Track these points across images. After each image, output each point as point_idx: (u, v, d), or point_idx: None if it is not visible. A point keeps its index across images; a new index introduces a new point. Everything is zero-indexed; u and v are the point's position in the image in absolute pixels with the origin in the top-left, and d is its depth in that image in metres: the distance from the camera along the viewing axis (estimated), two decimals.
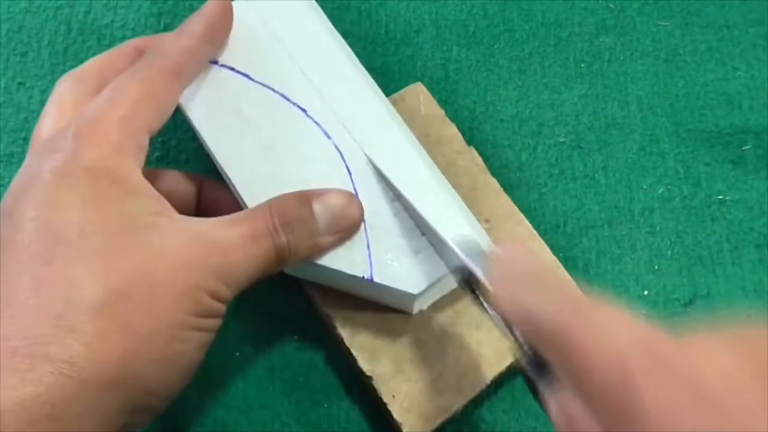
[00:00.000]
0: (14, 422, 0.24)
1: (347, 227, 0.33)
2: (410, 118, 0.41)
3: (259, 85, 0.36)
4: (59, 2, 0.46)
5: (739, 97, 0.47)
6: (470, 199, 0.39)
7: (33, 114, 0.43)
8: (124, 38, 0.45)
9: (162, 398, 0.29)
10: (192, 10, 0.46)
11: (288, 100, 0.36)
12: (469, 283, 0.32)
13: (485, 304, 0.31)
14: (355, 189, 0.34)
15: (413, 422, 0.34)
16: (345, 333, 0.36)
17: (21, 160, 0.41)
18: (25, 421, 0.24)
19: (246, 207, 0.34)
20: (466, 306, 0.37)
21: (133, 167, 0.30)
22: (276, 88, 0.36)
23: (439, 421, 0.34)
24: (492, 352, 0.36)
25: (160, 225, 0.29)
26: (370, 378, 0.35)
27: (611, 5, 0.49)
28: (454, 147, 0.41)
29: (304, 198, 0.32)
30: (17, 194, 0.29)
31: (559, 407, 0.25)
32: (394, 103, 0.41)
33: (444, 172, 0.39)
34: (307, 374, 0.38)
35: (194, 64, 0.34)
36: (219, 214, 0.32)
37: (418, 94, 0.42)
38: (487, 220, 0.39)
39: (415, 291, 0.33)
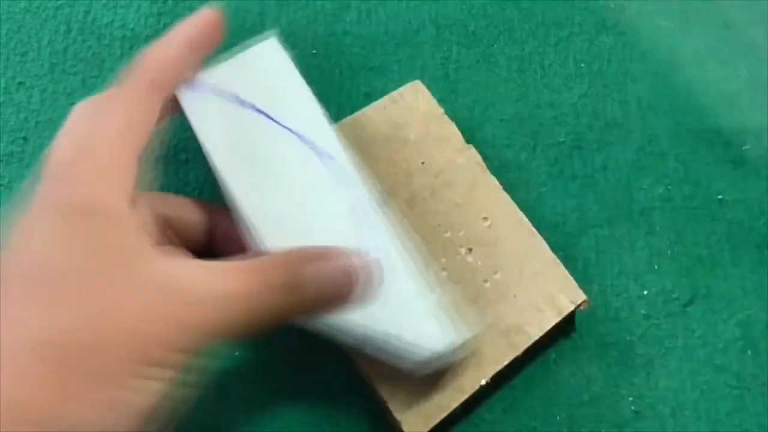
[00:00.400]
0: None
1: (338, 305, 0.31)
2: (409, 116, 0.41)
3: (281, 127, 0.35)
4: (59, 2, 0.46)
5: (739, 97, 0.47)
6: (469, 197, 0.39)
7: (33, 114, 0.43)
8: (124, 38, 0.45)
9: None
10: (192, 10, 0.46)
11: (311, 144, 0.35)
12: None
13: None
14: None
15: (413, 420, 0.34)
16: None
17: (21, 160, 0.42)
18: None
19: (253, 242, 0.32)
20: (466, 304, 0.37)
21: (117, 197, 0.29)
22: (299, 132, 0.35)
23: (438, 419, 0.34)
24: (492, 350, 0.36)
25: (133, 266, 0.27)
26: (369, 376, 0.35)
27: (611, 5, 0.49)
28: (453, 146, 0.41)
29: (296, 264, 0.30)
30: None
31: None
32: (393, 102, 0.41)
33: (443, 171, 0.39)
34: (307, 374, 0.38)
35: (175, 75, 0.33)
36: (232, 251, 0.31)
37: (418, 92, 0.42)
38: (486, 219, 0.39)
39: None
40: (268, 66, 0.36)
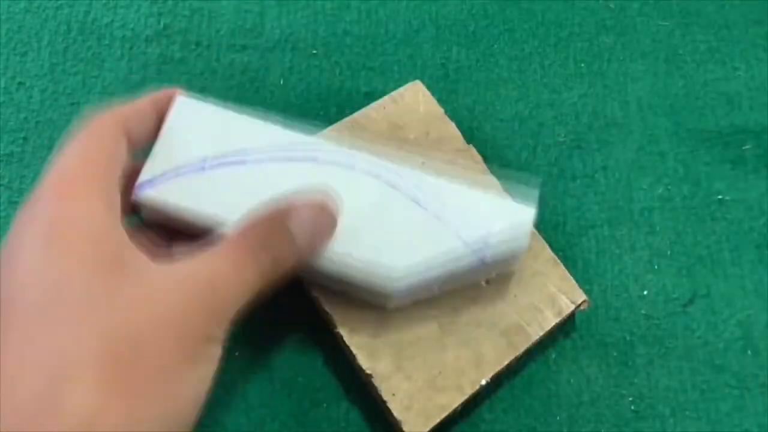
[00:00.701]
0: None
1: (325, 237, 0.33)
2: (409, 116, 0.41)
3: (258, 161, 0.35)
4: (59, 2, 0.46)
5: (739, 97, 0.47)
6: None
7: (33, 114, 0.43)
8: (124, 38, 0.45)
9: None
10: (192, 10, 0.47)
11: (293, 160, 0.35)
12: None
13: None
14: (407, 197, 0.35)
15: (413, 420, 0.34)
16: (344, 331, 0.36)
17: (21, 160, 0.42)
18: None
19: None
20: (466, 304, 0.37)
21: (108, 217, 0.30)
22: (276, 156, 0.35)
23: (438, 419, 0.34)
24: (492, 350, 0.36)
25: (142, 273, 0.29)
26: (369, 376, 0.35)
27: (611, 5, 0.49)
28: (453, 146, 0.41)
29: (277, 219, 0.32)
30: (3, 251, 0.29)
31: None
32: (393, 102, 0.41)
33: (443, 172, 0.39)
34: (307, 374, 0.38)
35: (140, 121, 0.34)
36: None
37: (418, 92, 0.42)
38: None
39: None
40: (195, 120, 0.36)
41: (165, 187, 0.34)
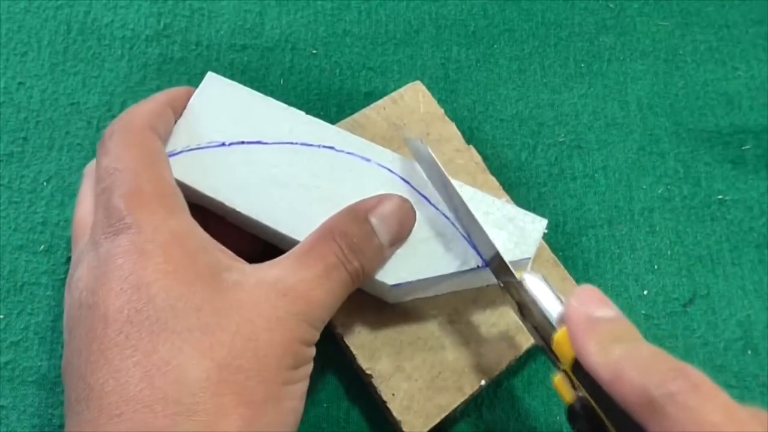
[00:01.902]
0: None
1: (408, 231, 0.34)
2: (409, 116, 0.41)
3: (276, 145, 0.36)
4: (59, 2, 0.46)
5: (739, 97, 0.47)
6: None
7: (33, 114, 0.43)
8: (123, 38, 0.45)
9: None
10: (192, 10, 0.47)
11: (311, 145, 0.36)
12: (524, 314, 0.32)
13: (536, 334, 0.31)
14: (419, 194, 0.35)
15: (413, 420, 0.34)
16: (344, 331, 0.36)
17: (21, 160, 0.42)
18: None
19: None
20: (466, 305, 0.37)
21: (188, 222, 0.30)
22: (293, 141, 0.36)
23: (438, 419, 0.34)
24: (492, 351, 0.36)
25: (239, 283, 0.29)
26: (369, 376, 0.35)
27: (611, 5, 0.49)
28: (453, 146, 0.41)
29: (360, 214, 0.32)
30: (95, 285, 0.28)
31: None
32: (394, 102, 0.41)
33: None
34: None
35: (162, 122, 0.34)
36: (229, 246, 0.32)
37: (418, 92, 0.42)
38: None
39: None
40: (220, 100, 0.37)
41: (185, 162, 0.35)
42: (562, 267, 0.38)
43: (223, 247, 0.31)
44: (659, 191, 0.44)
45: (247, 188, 0.35)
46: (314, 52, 0.46)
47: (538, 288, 0.31)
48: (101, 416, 0.26)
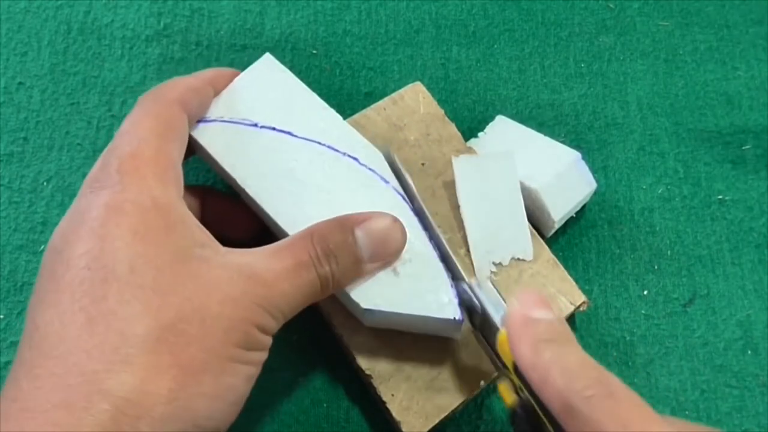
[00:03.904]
0: None
1: (392, 253, 0.33)
2: (409, 117, 0.41)
3: (304, 141, 0.36)
4: (59, 2, 0.46)
5: (739, 97, 0.47)
6: None
7: (33, 114, 0.43)
8: (124, 38, 0.45)
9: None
10: (192, 10, 0.47)
11: (336, 150, 0.36)
12: (473, 322, 0.33)
13: (487, 344, 0.33)
14: (426, 230, 0.35)
15: (412, 421, 0.34)
16: (344, 332, 0.36)
17: (21, 160, 0.42)
18: None
19: None
20: None
21: (175, 197, 0.30)
22: (321, 141, 0.36)
23: (437, 419, 0.34)
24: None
25: (207, 258, 0.29)
26: (369, 377, 0.35)
27: (611, 5, 0.49)
28: (453, 146, 0.41)
29: (346, 224, 0.32)
30: (67, 231, 0.29)
31: None
32: (394, 103, 0.41)
33: (444, 172, 0.39)
34: (307, 374, 0.38)
35: (198, 99, 0.35)
36: (226, 226, 0.32)
37: (418, 93, 0.42)
38: None
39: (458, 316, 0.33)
40: (267, 83, 0.37)
41: (214, 130, 0.35)
42: (562, 268, 0.38)
43: (204, 228, 0.31)
44: (659, 191, 0.44)
45: (262, 173, 0.35)
46: (314, 52, 0.46)
47: (485, 291, 0.32)
48: (39, 357, 0.26)
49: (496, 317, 0.31)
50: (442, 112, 0.41)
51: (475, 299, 0.32)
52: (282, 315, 0.30)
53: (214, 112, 0.36)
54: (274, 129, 0.36)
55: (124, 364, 0.26)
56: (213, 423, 0.28)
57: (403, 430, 0.34)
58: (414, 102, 0.41)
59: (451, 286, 0.34)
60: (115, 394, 0.25)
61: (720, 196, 0.44)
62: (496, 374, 0.36)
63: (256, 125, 0.36)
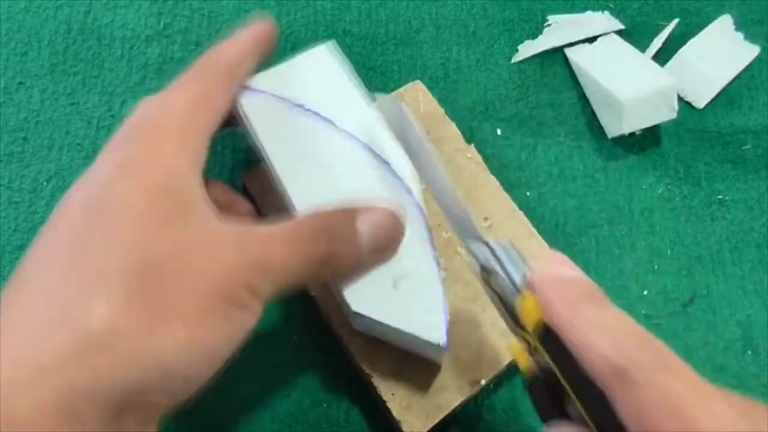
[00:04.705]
0: (32, 391, 0.24)
1: (390, 248, 0.33)
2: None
3: (343, 134, 0.36)
4: (59, 2, 0.46)
5: (739, 97, 0.47)
6: (469, 197, 0.39)
7: (33, 114, 0.43)
8: (124, 38, 0.45)
9: (180, 382, 0.28)
10: (192, 9, 0.47)
11: (371, 151, 0.36)
12: (490, 285, 0.32)
13: (504, 310, 0.31)
14: (432, 245, 0.34)
15: (412, 420, 0.34)
16: (344, 332, 0.36)
17: (21, 160, 0.42)
18: (44, 389, 0.24)
19: None
20: (466, 305, 0.37)
21: (188, 168, 0.30)
22: (361, 139, 0.36)
23: (438, 419, 0.34)
24: (491, 351, 0.36)
25: (205, 216, 0.29)
26: (369, 376, 0.35)
27: (611, 5, 0.49)
28: (453, 145, 0.41)
29: (350, 213, 0.32)
30: (75, 185, 0.29)
31: None
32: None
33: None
34: (307, 374, 0.38)
35: (245, 67, 0.35)
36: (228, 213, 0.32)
37: (418, 92, 0.42)
38: (486, 219, 0.39)
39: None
40: (324, 69, 0.37)
41: (260, 100, 0.36)
42: None
43: (211, 203, 0.31)
44: (659, 191, 0.44)
45: (292, 152, 0.35)
46: None
47: (504, 250, 0.31)
48: (17, 291, 0.26)
49: (517, 278, 0.30)
50: (442, 111, 0.41)
51: (493, 260, 0.31)
52: (273, 279, 0.29)
53: (263, 81, 0.36)
54: (317, 114, 0.36)
55: (95, 296, 0.26)
56: (182, 369, 0.27)
57: (404, 429, 0.34)
58: (414, 101, 0.41)
59: (444, 311, 0.33)
60: (78, 326, 0.25)
61: (720, 196, 0.44)
62: (496, 373, 0.36)
63: (301, 106, 0.36)
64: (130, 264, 0.26)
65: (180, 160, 0.30)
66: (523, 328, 0.29)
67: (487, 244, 0.31)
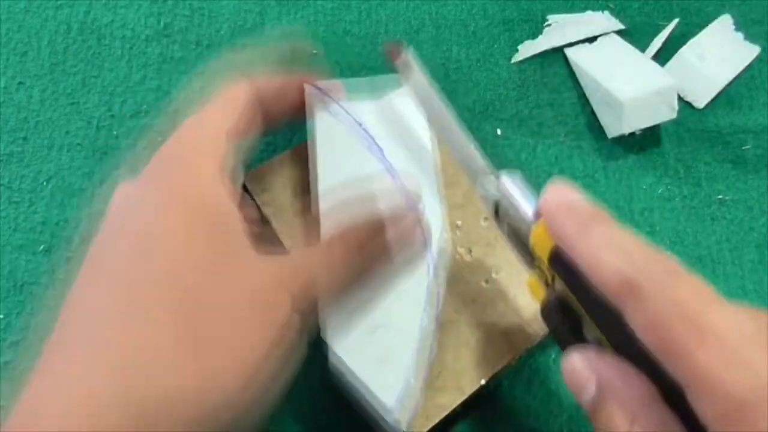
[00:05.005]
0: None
1: (418, 250, 0.35)
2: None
3: (387, 165, 0.37)
4: (59, 2, 0.46)
5: (739, 97, 0.47)
6: (469, 198, 0.39)
7: (33, 114, 0.43)
8: (123, 38, 0.45)
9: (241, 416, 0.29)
10: (192, 10, 0.47)
11: (404, 186, 0.36)
12: (501, 218, 0.32)
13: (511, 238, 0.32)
14: (428, 303, 0.35)
15: (413, 421, 0.34)
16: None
17: (21, 160, 0.42)
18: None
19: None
20: (466, 304, 0.37)
21: (225, 197, 0.31)
22: (396, 166, 0.37)
23: (438, 419, 0.34)
24: (492, 350, 0.36)
25: (242, 248, 0.30)
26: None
27: (611, 5, 0.49)
28: None
29: (379, 227, 0.33)
30: (118, 219, 0.30)
31: (583, 362, 0.26)
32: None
33: (443, 172, 0.39)
34: (307, 374, 0.38)
35: (280, 97, 0.36)
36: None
37: None
38: (486, 219, 0.39)
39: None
40: (399, 112, 0.38)
41: (322, 104, 0.37)
42: None
43: (244, 224, 0.31)
44: (659, 191, 0.44)
45: (332, 156, 0.36)
46: (314, 52, 0.46)
47: (515, 185, 0.31)
48: (71, 344, 0.27)
49: (528, 210, 0.30)
50: None
51: (504, 192, 0.31)
52: (312, 308, 0.31)
53: (335, 89, 0.37)
54: (368, 134, 0.37)
55: (152, 363, 0.26)
56: (241, 410, 0.29)
57: (404, 429, 0.34)
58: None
59: (409, 377, 0.33)
60: (138, 394, 0.25)
61: (720, 196, 0.44)
62: (496, 373, 0.36)
63: (359, 124, 0.37)
64: (179, 330, 0.27)
65: (217, 192, 0.31)
66: (537, 260, 0.30)
67: (498, 178, 0.32)
